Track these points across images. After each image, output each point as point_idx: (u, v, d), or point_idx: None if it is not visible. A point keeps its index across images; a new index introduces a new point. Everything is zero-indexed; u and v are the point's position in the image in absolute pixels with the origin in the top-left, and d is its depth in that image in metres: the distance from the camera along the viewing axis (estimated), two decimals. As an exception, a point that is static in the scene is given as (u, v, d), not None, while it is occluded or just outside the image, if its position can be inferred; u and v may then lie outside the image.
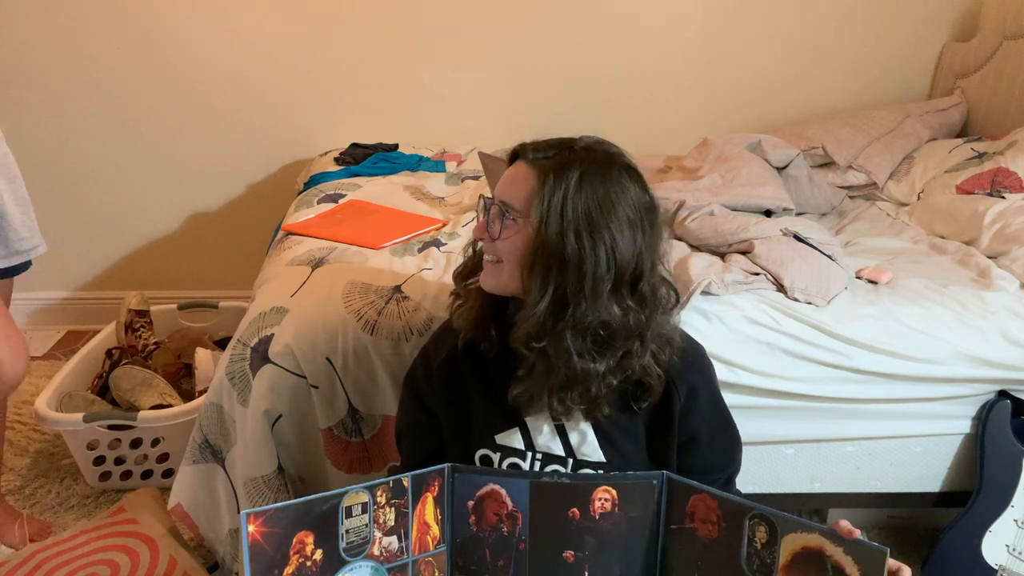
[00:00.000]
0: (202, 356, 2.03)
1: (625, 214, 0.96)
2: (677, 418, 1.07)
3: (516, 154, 1.04)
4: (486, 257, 1.05)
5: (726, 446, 1.16)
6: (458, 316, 1.11)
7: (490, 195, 1.06)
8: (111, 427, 1.81)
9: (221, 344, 2.30)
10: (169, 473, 1.89)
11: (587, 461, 1.08)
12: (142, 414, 1.81)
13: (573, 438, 1.08)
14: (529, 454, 1.09)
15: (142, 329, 2.19)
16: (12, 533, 1.68)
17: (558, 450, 1.09)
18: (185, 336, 2.26)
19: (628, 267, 0.97)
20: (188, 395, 2.00)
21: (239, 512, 1.49)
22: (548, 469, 1.09)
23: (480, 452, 1.12)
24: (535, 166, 0.99)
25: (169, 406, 1.89)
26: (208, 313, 2.40)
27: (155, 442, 1.86)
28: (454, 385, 1.13)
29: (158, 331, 2.30)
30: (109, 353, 2.12)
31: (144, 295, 2.28)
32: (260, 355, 1.43)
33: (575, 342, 0.97)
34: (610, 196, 0.96)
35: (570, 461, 1.09)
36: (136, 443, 1.85)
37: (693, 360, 1.09)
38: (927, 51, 2.62)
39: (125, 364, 2.01)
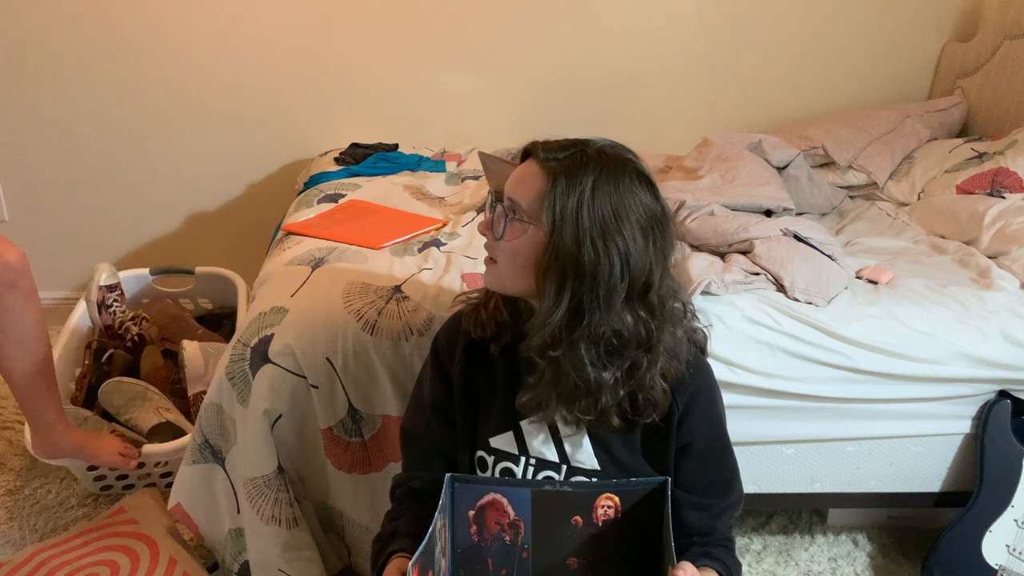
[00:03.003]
0: (190, 351, 1.95)
1: (638, 222, 0.96)
2: (675, 425, 1.05)
3: (527, 152, 1.03)
4: (485, 255, 1.05)
5: (723, 470, 1.12)
6: (470, 315, 1.10)
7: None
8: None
9: (201, 321, 2.26)
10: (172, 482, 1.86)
11: (581, 468, 1.07)
12: (147, 448, 1.74)
13: (567, 444, 1.07)
14: (522, 459, 1.08)
15: (115, 304, 2.10)
16: (105, 451, 1.69)
17: (551, 456, 1.08)
18: (164, 311, 2.17)
19: (641, 276, 0.96)
20: (181, 392, 1.96)
21: (239, 512, 1.50)
22: (542, 476, 1.08)
23: (476, 454, 1.11)
24: (546, 166, 0.98)
25: (168, 422, 1.83)
26: (183, 279, 2.34)
27: (158, 463, 1.83)
28: (471, 369, 1.11)
29: (130, 298, 2.20)
30: (88, 346, 2.03)
31: (112, 266, 2.16)
32: (260, 355, 1.42)
33: (589, 352, 0.97)
34: (624, 203, 0.95)
35: (564, 467, 1.07)
36: (140, 466, 1.80)
37: (697, 375, 1.07)
38: (927, 51, 2.62)
39: (113, 378, 1.91)
